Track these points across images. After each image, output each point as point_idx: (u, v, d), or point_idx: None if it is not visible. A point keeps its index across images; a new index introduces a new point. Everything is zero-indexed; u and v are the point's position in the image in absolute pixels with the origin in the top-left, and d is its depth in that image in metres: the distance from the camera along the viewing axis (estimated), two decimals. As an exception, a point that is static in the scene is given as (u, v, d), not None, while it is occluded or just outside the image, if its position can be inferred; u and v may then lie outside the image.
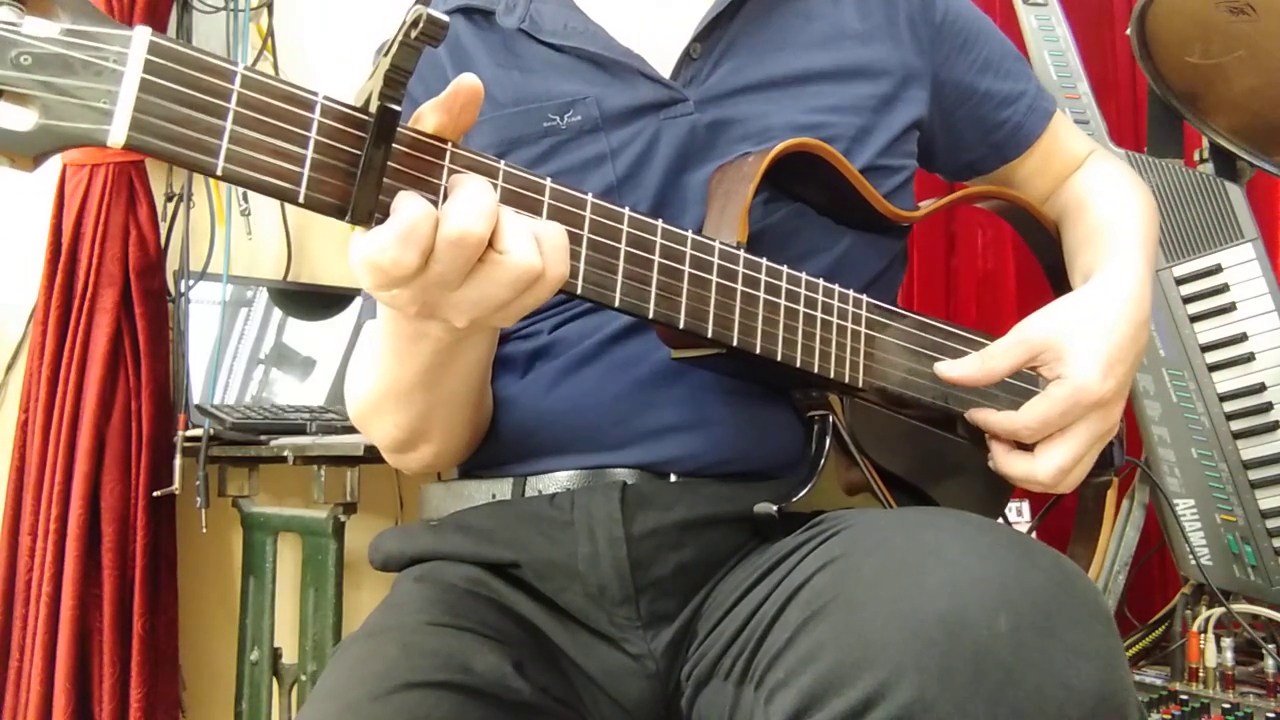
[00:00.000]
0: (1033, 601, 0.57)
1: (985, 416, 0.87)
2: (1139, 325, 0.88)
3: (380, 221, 0.59)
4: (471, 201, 0.60)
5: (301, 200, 0.58)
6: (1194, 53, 1.46)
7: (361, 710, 0.67)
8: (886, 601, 0.58)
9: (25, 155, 0.51)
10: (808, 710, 0.58)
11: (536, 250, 0.62)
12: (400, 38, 0.56)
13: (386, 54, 0.57)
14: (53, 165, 1.74)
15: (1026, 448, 0.87)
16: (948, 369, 0.86)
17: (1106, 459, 1.07)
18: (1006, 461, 0.87)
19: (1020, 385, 0.93)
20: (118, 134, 0.52)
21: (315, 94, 0.58)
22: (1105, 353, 0.84)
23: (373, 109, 0.58)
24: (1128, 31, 1.49)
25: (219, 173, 0.55)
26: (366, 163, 0.58)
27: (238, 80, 0.56)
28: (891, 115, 0.93)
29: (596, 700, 0.80)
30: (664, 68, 0.88)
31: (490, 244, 0.61)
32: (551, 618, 0.82)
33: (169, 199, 1.88)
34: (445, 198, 0.61)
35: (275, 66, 2.06)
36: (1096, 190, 1.04)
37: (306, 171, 0.57)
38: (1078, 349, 0.84)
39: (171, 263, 1.86)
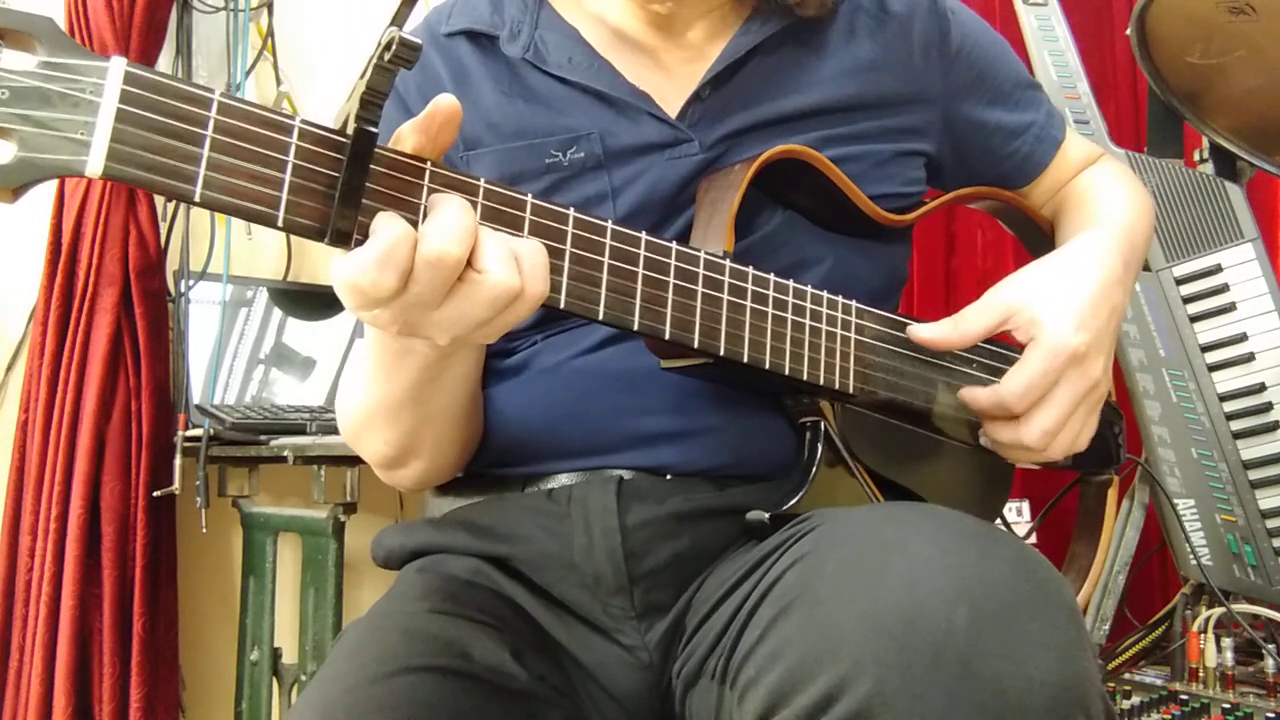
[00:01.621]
0: (992, 593, 0.57)
1: (973, 395, 0.86)
2: (1109, 284, 0.86)
3: (360, 243, 0.60)
4: (449, 222, 0.60)
5: (280, 224, 0.58)
6: (1194, 53, 1.46)
7: (361, 693, 0.68)
8: (848, 596, 0.59)
9: (4, 188, 0.52)
10: (775, 708, 0.59)
11: (515, 269, 0.62)
12: (374, 60, 0.57)
13: (362, 76, 0.57)
14: (53, 165, 1.75)
15: (1015, 420, 0.86)
16: (920, 330, 0.85)
17: (1107, 457, 1.07)
18: (995, 430, 0.86)
19: (1000, 353, 0.92)
20: (95, 165, 0.53)
21: (292, 118, 0.59)
22: (1073, 308, 0.83)
23: (350, 131, 0.58)
24: (1128, 31, 1.49)
25: (197, 199, 0.55)
26: (344, 185, 0.58)
27: (214, 107, 0.56)
28: (900, 146, 0.93)
29: (591, 692, 0.81)
30: (672, 106, 0.87)
31: (469, 263, 0.61)
32: (548, 610, 0.83)
33: (169, 199, 1.88)
34: (425, 217, 0.62)
35: (275, 66, 2.06)
36: (1093, 186, 1.04)
37: (285, 195, 0.58)
38: (1046, 308, 0.83)
39: (171, 263, 1.86)
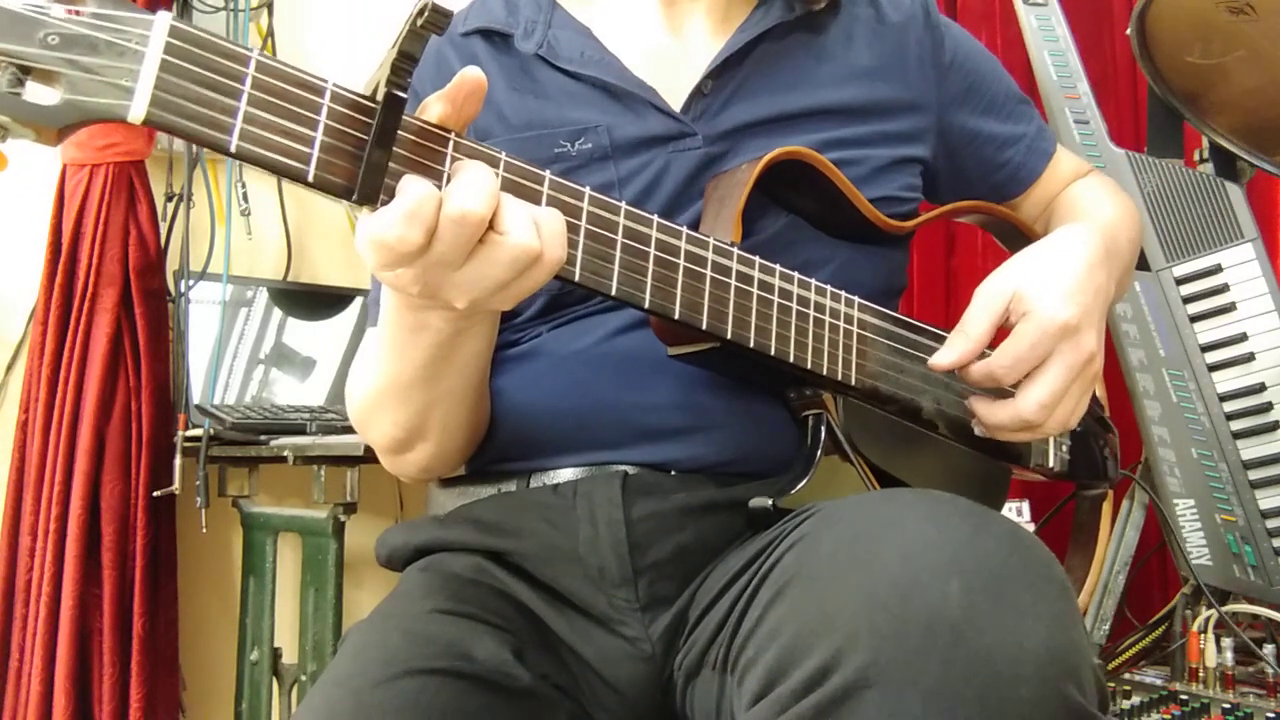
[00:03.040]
0: (985, 566, 0.58)
1: (964, 370, 0.86)
2: (1092, 265, 0.87)
3: (386, 204, 0.62)
4: (473, 183, 0.62)
5: (311, 179, 0.60)
6: (1194, 53, 1.46)
7: (364, 696, 0.69)
8: (843, 572, 0.60)
9: (50, 128, 0.54)
10: (772, 685, 0.60)
11: (535, 233, 0.64)
12: (408, 26, 0.59)
13: (394, 45, 0.60)
14: (53, 165, 1.75)
15: (1009, 398, 0.86)
16: (939, 358, 0.84)
17: (1098, 470, 1.08)
18: (990, 412, 0.86)
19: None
20: (138, 110, 0.55)
21: (325, 80, 0.61)
22: (1061, 284, 0.84)
23: (380, 96, 0.60)
24: (1128, 31, 1.49)
25: (233, 149, 0.58)
26: (373, 146, 0.61)
27: (252, 65, 0.59)
28: (896, 151, 0.96)
29: (593, 686, 0.82)
30: (676, 101, 0.90)
31: (491, 225, 0.63)
32: (550, 605, 0.84)
33: (169, 199, 1.88)
34: (448, 183, 0.64)
35: (275, 66, 2.06)
36: (1080, 196, 1.08)
37: (315, 153, 0.60)
38: (1035, 288, 0.83)
39: (171, 263, 1.86)
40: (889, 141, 0.96)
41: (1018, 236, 1.07)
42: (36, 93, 0.54)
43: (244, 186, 1.97)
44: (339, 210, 2.14)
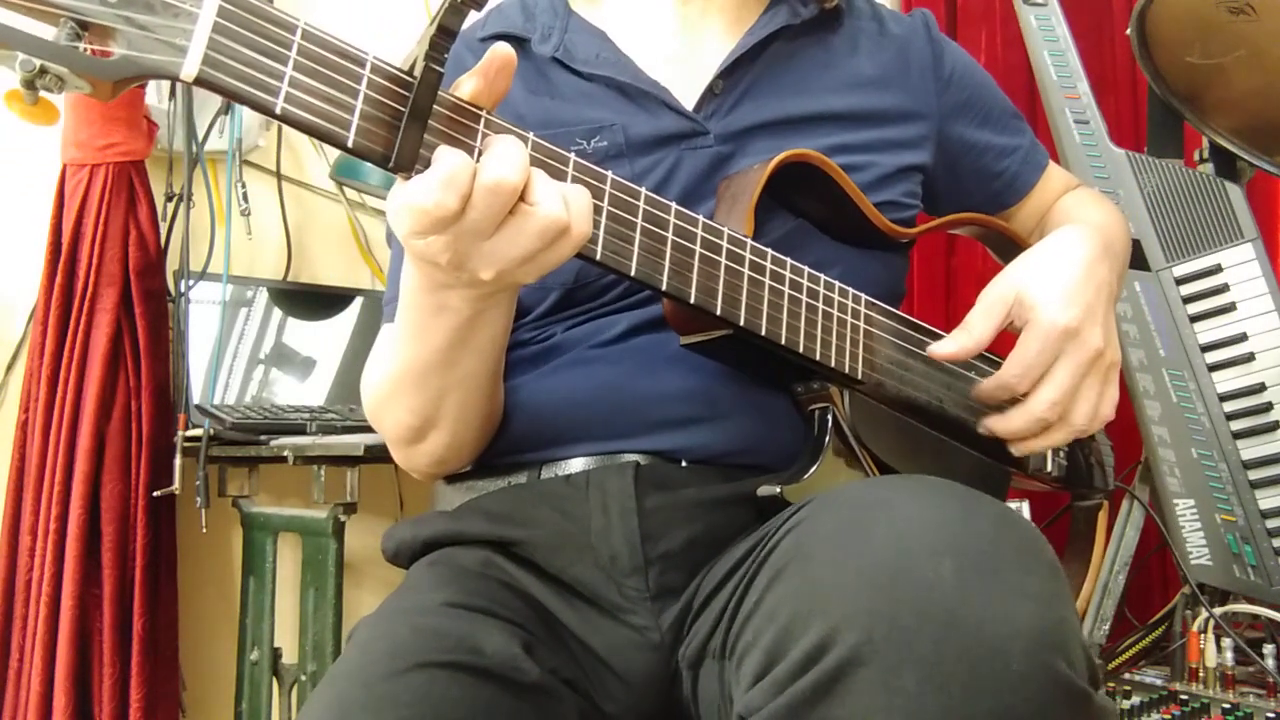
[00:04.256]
0: (976, 546, 0.59)
1: (978, 388, 0.90)
2: (1092, 262, 0.90)
3: (419, 173, 0.64)
4: (508, 155, 0.65)
5: (350, 145, 0.63)
6: (1194, 53, 1.46)
7: (375, 688, 0.69)
8: (838, 552, 0.61)
9: (106, 81, 0.57)
10: (770, 666, 0.61)
11: (564, 206, 0.66)
12: (447, 2, 0.62)
13: (432, 22, 0.62)
14: (53, 165, 1.74)
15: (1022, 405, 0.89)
16: (939, 347, 0.88)
17: (1093, 480, 1.09)
18: (1006, 423, 0.88)
19: (993, 358, 0.94)
20: (191, 67, 0.58)
21: (366, 53, 0.65)
22: (1060, 288, 0.87)
23: (418, 71, 0.63)
24: (1128, 31, 1.49)
25: (278, 111, 0.61)
26: (410, 116, 0.64)
27: (299, 33, 0.62)
28: (899, 158, 0.99)
29: (602, 678, 0.83)
30: (688, 100, 0.93)
31: (521, 197, 0.65)
32: (559, 597, 0.84)
33: (169, 199, 1.87)
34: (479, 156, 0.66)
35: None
36: (1071, 207, 1.12)
37: (356, 120, 0.63)
38: (1036, 292, 0.86)
39: (171, 263, 1.86)
40: (893, 148, 0.99)
41: (1011, 248, 1.10)
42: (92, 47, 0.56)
43: (244, 186, 1.97)
44: (339, 210, 2.14)
